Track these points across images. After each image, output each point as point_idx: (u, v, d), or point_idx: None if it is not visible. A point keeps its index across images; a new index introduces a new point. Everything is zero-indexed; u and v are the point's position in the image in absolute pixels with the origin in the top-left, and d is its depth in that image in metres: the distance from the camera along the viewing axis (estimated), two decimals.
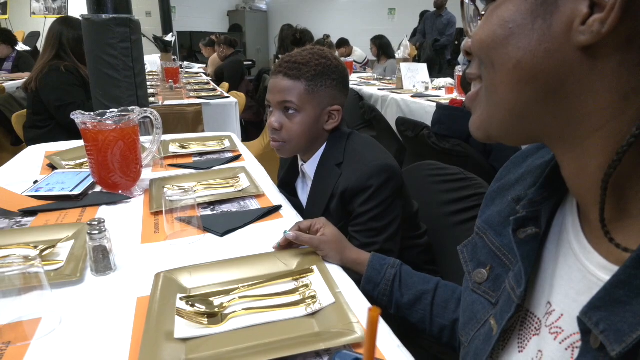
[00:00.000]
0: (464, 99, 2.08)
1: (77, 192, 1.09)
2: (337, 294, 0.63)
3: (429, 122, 2.13)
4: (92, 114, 1.06)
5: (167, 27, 6.79)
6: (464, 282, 0.55)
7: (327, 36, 5.12)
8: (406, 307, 0.73)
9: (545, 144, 0.40)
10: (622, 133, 0.33)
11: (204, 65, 5.92)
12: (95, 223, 0.74)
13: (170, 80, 3.53)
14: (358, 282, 0.75)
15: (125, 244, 0.86)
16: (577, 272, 0.40)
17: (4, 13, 7.15)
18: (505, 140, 0.41)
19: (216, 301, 0.63)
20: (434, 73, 5.14)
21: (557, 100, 0.35)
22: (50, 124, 2.35)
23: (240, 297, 0.64)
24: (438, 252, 1.17)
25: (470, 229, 1.21)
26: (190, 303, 0.61)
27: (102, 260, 0.74)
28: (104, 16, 1.74)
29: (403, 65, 3.72)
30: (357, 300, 0.65)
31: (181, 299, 0.64)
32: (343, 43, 6.26)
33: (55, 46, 2.26)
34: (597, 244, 0.39)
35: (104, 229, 0.73)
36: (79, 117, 1.04)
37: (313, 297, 0.63)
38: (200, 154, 1.51)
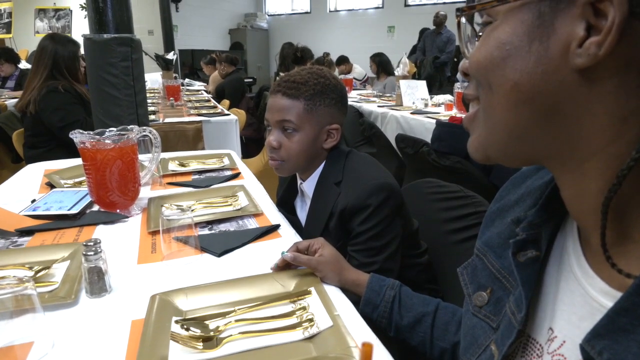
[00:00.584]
0: (463, 115, 2.09)
1: (74, 211, 1.09)
2: (335, 316, 0.62)
3: (428, 139, 2.14)
4: (91, 133, 1.06)
5: (169, 45, 6.88)
6: (464, 305, 0.54)
7: (327, 54, 5.18)
8: (406, 329, 0.72)
9: (544, 165, 0.40)
10: (622, 156, 0.32)
11: (205, 84, 5.98)
12: (91, 244, 0.73)
13: (171, 98, 3.56)
14: (357, 303, 0.74)
15: (121, 264, 0.85)
16: (579, 297, 0.39)
17: (9, 32, 7.25)
18: (503, 161, 0.40)
19: (212, 324, 0.61)
20: (434, 90, 5.17)
21: (555, 122, 0.35)
22: (50, 144, 2.35)
23: (236, 321, 0.62)
24: (438, 270, 1.16)
25: (470, 247, 1.19)
26: (185, 327, 0.59)
27: (97, 282, 0.73)
28: (105, 36, 1.76)
29: (402, 82, 3.75)
30: (356, 323, 0.64)
31: (176, 322, 0.62)
32: (343, 60, 6.33)
33: (48, 65, 2.23)
34: (598, 268, 0.38)
35: (99, 250, 0.73)
36: (78, 136, 1.04)
37: (310, 320, 0.62)
38: (200, 172, 1.50)
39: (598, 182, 0.35)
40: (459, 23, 0.42)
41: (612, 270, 0.34)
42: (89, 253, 0.72)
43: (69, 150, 2.24)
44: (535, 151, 0.38)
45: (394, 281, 0.76)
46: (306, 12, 10.00)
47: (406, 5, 8.61)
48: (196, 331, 0.59)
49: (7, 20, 7.38)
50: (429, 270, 1.12)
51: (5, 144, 2.92)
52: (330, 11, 9.66)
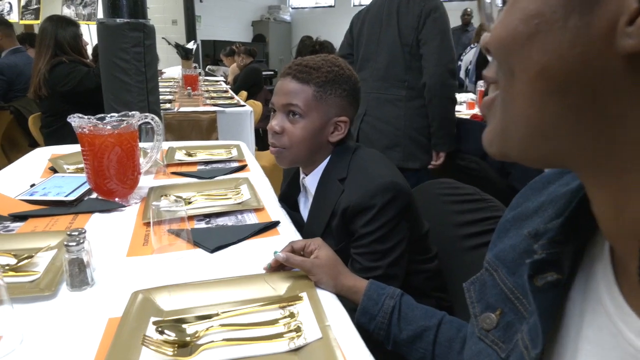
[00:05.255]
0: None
1: (71, 197, 1.05)
2: (326, 327, 0.56)
3: None
4: (91, 117, 1.02)
5: (191, 35, 6.89)
6: (470, 326, 0.48)
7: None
8: (405, 344, 0.65)
9: (573, 171, 0.33)
10: None
11: (226, 75, 5.96)
12: (75, 233, 0.69)
13: (188, 87, 3.54)
14: (354, 311, 0.68)
15: (109, 256, 0.81)
16: (609, 337, 0.32)
17: (37, 18, 7.37)
18: (523, 160, 0.32)
19: (190, 329, 0.56)
20: (459, 88, 5.04)
21: (591, 120, 0.27)
22: (64, 119, 2.36)
23: (218, 325, 0.57)
24: (448, 277, 1.09)
25: (484, 254, 1.11)
26: (160, 329, 0.54)
27: (78, 275, 0.69)
28: (118, 20, 1.73)
29: None
30: (349, 336, 0.58)
31: (154, 323, 0.58)
32: None
33: (50, 46, 2.25)
34: (638, 304, 0.30)
35: (81, 241, 0.68)
36: (76, 120, 1.00)
37: (298, 329, 0.56)
38: (206, 163, 1.46)
39: None
40: None
41: None
42: (70, 244, 0.68)
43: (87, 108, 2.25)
44: (561, 154, 0.30)
45: (394, 289, 0.70)
46: (330, 6, 9.90)
47: None
48: (171, 335, 0.54)
49: (35, 6, 7.49)
50: (438, 277, 1.05)
51: (24, 129, 2.94)
52: (354, 5, 9.53)
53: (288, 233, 0.91)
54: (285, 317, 0.59)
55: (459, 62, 5.05)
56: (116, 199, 1.07)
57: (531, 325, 0.37)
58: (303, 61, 0.96)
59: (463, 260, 1.08)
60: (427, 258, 1.03)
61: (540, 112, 0.29)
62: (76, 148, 1.52)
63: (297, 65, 0.95)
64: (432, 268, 1.03)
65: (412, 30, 1.81)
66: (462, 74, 4.95)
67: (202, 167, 1.43)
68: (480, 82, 3.11)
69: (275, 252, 0.71)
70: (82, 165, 1.33)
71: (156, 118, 1.11)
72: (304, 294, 0.64)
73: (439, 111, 1.83)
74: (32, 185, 1.13)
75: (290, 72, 0.95)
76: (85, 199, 1.08)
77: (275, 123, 0.94)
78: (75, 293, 0.68)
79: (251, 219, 0.98)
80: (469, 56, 4.75)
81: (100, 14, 7.09)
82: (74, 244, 0.68)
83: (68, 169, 1.32)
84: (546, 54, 0.27)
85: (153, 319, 0.59)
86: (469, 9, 5.95)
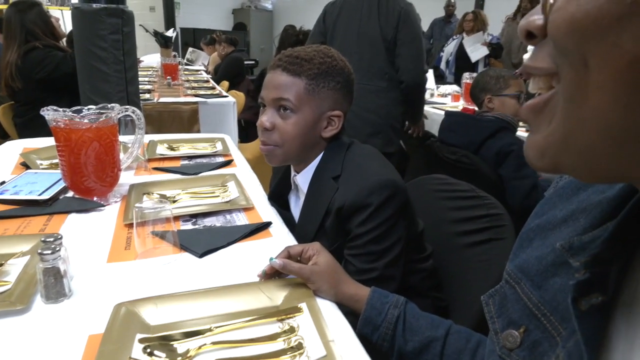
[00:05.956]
0: (475, 108, 1.97)
1: (45, 196, 0.98)
2: (329, 343, 0.52)
3: (434, 131, 2.03)
4: (67, 110, 0.95)
5: (169, 22, 6.70)
6: (488, 343, 0.44)
7: None
8: (410, 355, 0.61)
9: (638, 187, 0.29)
10: None
11: (206, 63, 5.80)
12: (51, 240, 0.63)
13: (168, 77, 3.42)
14: (351, 314, 0.64)
15: (88, 262, 0.74)
16: None
17: (6, 2, 7.05)
18: (581, 174, 0.28)
19: (181, 347, 0.51)
20: (440, 79, 5.03)
21: None
22: (38, 108, 2.23)
23: (211, 343, 0.52)
24: (444, 276, 1.06)
25: (480, 252, 1.08)
26: (148, 350, 0.49)
27: (54, 285, 0.63)
28: (94, 5, 1.63)
29: None
30: (354, 351, 0.54)
31: (140, 341, 0.52)
32: None
33: (18, 34, 2.12)
34: None
35: (57, 248, 0.62)
36: (50, 113, 0.93)
37: (299, 346, 0.52)
38: (190, 157, 1.40)
39: None
40: None
41: None
42: (45, 252, 0.61)
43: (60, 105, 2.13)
44: (633, 165, 0.25)
45: (398, 298, 0.66)
46: None
47: None
48: (160, 356, 0.49)
49: None
50: (434, 277, 1.02)
51: None
52: None
53: (281, 235, 0.87)
54: (284, 331, 0.55)
55: (441, 54, 5.04)
56: (94, 198, 1.00)
57: (571, 350, 0.33)
58: (294, 52, 0.90)
59: (458, 258, 1.05)
60: (423, 257, 1.00)
61: (622, 113, 0.24)
62: (50, 141, 1.43)
63: (287, 56, 0.90)
64: (427, 267, 1.00)
65: (392, 29, 1.94)
66: (442, 65, 4.94)
67: (186, 162, 1.36)
68: (466, 74, 3.09)
69: (270, 259, 0.66)
70: (57, 161, 1.25)
71: (137, 111, 1.04)
72: (303, 305, 0.60)
73: (417, 102, 2.12)
74: (2, 183, 1.05)
75: (280, 64, 0.89)
76: (61, 197, 1.01)
77: (265, 119, 0.89)
78: (50, 306, 0.62)
79: (240, 219, 0.93)
80: (450, 48, 4.74)
81: None
82: (49, 252, 0.62)
83: (41, 164, 1.23)
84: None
85: (139, 335, 0.54)
86: (452, 0, 5.91)
